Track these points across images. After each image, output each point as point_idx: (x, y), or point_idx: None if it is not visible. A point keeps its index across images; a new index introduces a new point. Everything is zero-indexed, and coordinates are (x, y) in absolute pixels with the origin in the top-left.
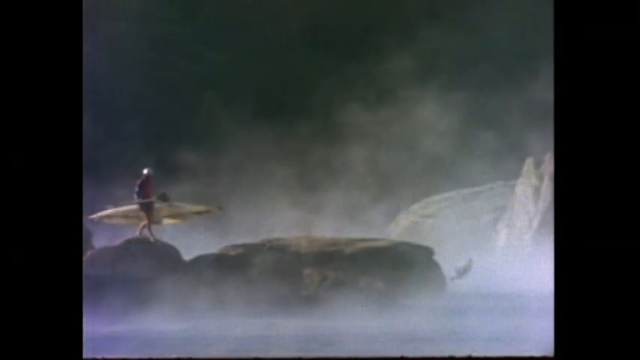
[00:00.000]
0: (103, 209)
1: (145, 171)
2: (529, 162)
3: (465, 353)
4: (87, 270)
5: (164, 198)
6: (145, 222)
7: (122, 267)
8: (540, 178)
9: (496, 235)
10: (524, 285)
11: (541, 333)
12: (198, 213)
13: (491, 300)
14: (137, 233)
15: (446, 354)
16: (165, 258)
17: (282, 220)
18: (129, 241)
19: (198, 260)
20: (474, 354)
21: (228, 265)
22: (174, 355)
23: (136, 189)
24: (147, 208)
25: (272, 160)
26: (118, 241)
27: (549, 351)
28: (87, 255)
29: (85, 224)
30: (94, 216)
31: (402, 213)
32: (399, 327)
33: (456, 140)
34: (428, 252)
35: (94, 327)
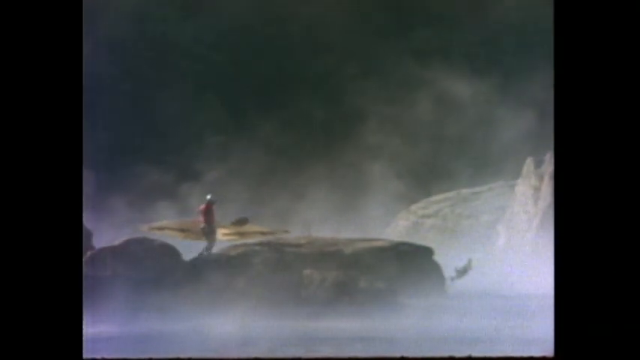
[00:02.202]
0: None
1: (209, 197)
2: (529, 162)
3: (465, 353)
4: (87, 270)
5: (243, 222)
6: (207, 245)
7: (122, 267)
8: (540, 178)
9: (496, 235)
10: (524, 285)
11: (541, 333)
12: (263, 233)
13: (491, 300)
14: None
15: (446, 354)
16: (166, 258)
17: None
18: (129, 241)
19: (198, 260)
20: (474, 354)
21: (228, 265)
22: (174, 355)
23: (201, 216)
24: (210, 232)
25: (271, 159)
26: (118, 241)
27: (549, 351)
28: (87, 255)
29: (85, 224)
30: (145, 227)
31: (402, 213)
32: (399, 327)
33: (454, 142)
34: (428, 252)
35: (94, 327)
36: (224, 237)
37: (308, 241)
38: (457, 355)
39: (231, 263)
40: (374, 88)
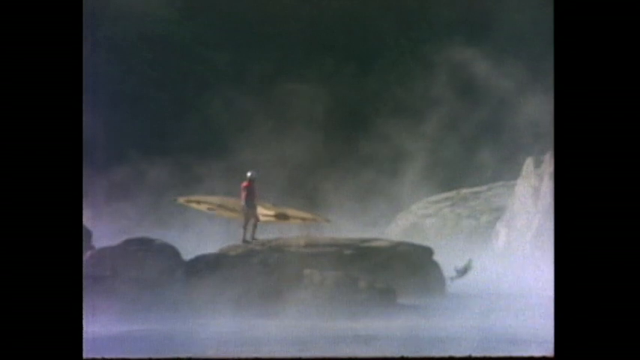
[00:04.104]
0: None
1: (249, 174)
2: (529, 162)
3: (464, 353)
4: (87, 270)
5: (284, 217)
6: (246, 223)
7: (122, 267)
8: (540, 178)
9: (496, 235)
10: (524, 285)
11: (541, 333)
12: (304, 219)
13: (491, 300)
14: (242, 240)
15: (446, 354)
16: (165, 258)
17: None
18: (129, 241)
19: (198, 260)
20: (474, 354)
21: (228, 265)
22: (175, 355)
23: (243, 192)
24: (252, 209)
25: (272, 160)
26: (117, 241)
27: (549, 351)
28: (87, 255)
29: (85, 224)
30: (182, 199)
31: (402, 213)
32: (399, 327)
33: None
34: (428, 252)
35: (94, 327)
36: (264, 218)
37: (308, 241)
38: (457, 355)
39: (231, 263)
40: (377, 83)
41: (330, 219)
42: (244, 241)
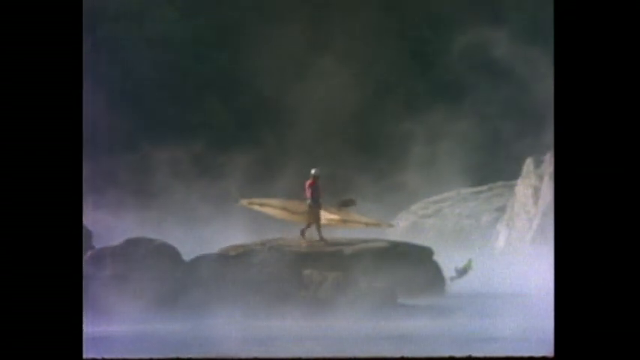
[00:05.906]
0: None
1: (313, 171)
2: (529, 162)
3: (465, 353)
4: (87, 270)
5: (351, 203)
6: (310, 222)
7: (122, 267)
8: (540, 178)
9: (496, 235)
10: (524, 285)
11: (541, 333)
12: (367, 224)
13: (491, 300)
14: (300, 234)
15: (446, 354)
16: (165, 258)
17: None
18: (129, 241)
19: (198, 260)
20: (474, 354)
21: (228, 265)
22: (174, 355)
23: (309, 191)
24: (317, 209)
25: (272, 160)
26: (117, 241)
27: (549, 351)
28: (87, 255)
29: (85, 224)
30: (244, 201)
31: (402, 213)
32: (399, 327)
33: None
34: (428, 252)
35: (95, 327)
36: (327, 222)
37: (308, 241)
38: (457, 355)
39: (231, 263)
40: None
41: (392, 224)
42: (321, 239)
